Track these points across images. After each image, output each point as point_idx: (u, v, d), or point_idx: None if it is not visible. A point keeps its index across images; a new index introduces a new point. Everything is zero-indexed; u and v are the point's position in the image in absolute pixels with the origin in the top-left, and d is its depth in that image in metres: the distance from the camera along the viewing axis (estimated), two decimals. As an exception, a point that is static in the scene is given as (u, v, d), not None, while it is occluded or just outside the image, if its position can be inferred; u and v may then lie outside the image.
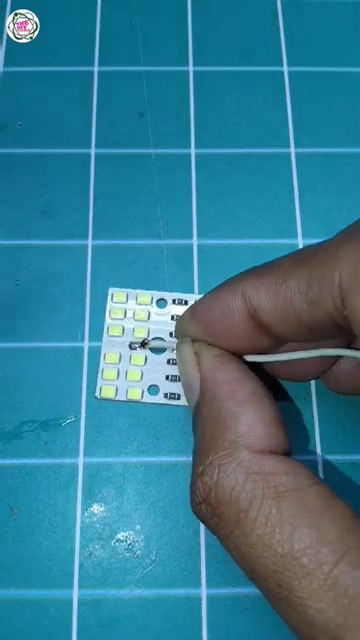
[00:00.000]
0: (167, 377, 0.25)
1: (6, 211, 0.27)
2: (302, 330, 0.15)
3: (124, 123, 0.29)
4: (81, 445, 0.24)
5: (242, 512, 0.14)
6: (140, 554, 0.23)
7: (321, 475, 0.24)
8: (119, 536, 0.23)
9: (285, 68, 0.30)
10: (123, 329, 0.25)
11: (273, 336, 0.16)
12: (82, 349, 0.25)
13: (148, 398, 0.25)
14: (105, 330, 0.25)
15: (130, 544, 0.23)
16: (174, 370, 0.24)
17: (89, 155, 0.28)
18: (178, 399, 0.24)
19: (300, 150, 0.29)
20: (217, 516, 0.15)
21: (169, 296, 0.26)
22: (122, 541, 0.23)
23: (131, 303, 0.26)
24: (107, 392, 0.25)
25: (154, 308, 0.25)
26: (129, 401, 0.25)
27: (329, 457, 0.24)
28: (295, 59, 0.30)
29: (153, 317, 0.25)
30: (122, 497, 0.24)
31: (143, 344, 0.25)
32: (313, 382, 0.25)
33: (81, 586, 0.23)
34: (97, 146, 0.28)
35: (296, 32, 0.31)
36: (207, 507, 0.15)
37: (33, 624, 0.22)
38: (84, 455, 0.24)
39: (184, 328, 0.19)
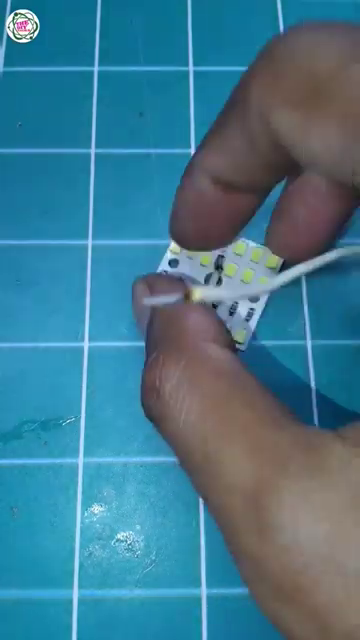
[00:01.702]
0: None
1: (6, 211, 0.27)
2: (259, 175, 0.16)
3: (124, 123, 0.29)
4: (81, 445, 0.24)
5: (182, 395, 0.14)
6: (140, 554, 0.23)
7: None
8: (119, 536, 0.23)
9: (285, 68, 0.30)
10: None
11: (241, 198, 0.17)
12: (82, 349, 0.25)
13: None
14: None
15: (130, 544, 0.23)
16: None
17: (89, 155, 0.28)
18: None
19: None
20: (161, 402, 0.15)
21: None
22: (122, 541, 0.23)
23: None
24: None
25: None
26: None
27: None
28: (295, 59, 0.30)
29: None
30: (122, 497, 0.24)
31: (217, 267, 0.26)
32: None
33: (81, 586, 0.23)
34: (97, 146, 0.28)
35: (296, 32, 0.31)
36: (153, 395, 0.15)
37: (33, 624, 0.22)
38: (84, 455, 0.24)
39: (176, 236, 0.19)
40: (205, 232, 0.18)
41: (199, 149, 0.17)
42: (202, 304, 0.16)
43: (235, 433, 0.13)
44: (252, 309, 0.25)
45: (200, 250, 0.21)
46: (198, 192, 0.17)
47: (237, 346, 0.25)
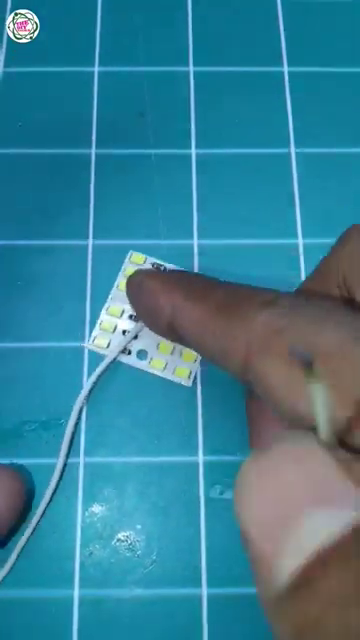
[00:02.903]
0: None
1: (6, 211, 0.27)
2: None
3: (124, 123, 0.29)
4: (81, 445, 0.24)
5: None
6: (141, 554, 0.23)
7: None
8: (119, 536, 0.23)
9: (285, 68, 0.30)
10: None
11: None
12: (82, 349, 0.25)
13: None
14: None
15: (131, 544, 0.23)
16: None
17: (89, 155, 0.28)
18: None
19: (300, 150, 0.29)
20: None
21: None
22: (123, 541, 0.23)
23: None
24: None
25: None
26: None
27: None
28: (295, 59, 0.30)
29: None
30: (122, 497, 0.24)
31: None
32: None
33: (81, 586, 0.23)
34: (97, 146, 0.28)
35: (296, 32, 0.31)
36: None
37: (33, 624, 0.22)
38: (84, 455, 0.24)
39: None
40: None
41: (186, 296, 0.16)
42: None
43: None
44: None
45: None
46: (155, 316, 0.17)
47: (182, 382, 0.25)
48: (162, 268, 0.26)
